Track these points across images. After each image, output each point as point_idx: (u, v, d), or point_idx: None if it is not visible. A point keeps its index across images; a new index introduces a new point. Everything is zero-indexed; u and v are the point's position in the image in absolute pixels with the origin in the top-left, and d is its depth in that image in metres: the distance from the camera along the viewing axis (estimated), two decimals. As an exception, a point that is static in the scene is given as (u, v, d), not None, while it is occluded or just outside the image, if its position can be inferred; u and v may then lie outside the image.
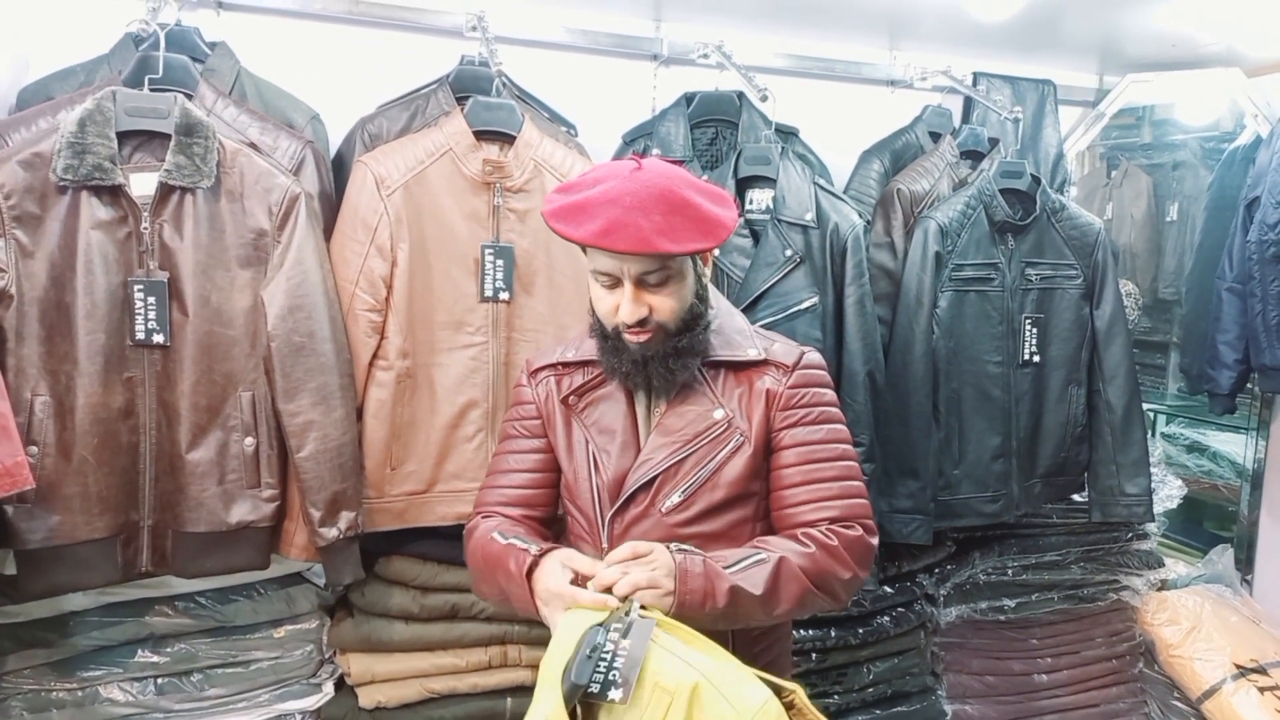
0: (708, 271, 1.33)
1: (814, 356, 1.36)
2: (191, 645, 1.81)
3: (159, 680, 1.80)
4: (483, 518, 1.38)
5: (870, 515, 1.31)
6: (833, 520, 1.26)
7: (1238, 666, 2.24)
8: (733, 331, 1.36)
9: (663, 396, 1.32)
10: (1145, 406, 3.96)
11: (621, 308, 1.23)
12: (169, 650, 1.80)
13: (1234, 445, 3.37)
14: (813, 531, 1.25)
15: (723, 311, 1.38)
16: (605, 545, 1.29)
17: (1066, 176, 2.69)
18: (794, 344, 1.37)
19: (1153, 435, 3.83)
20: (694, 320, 1.28)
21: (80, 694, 1.74)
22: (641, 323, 1.24)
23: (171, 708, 1.80)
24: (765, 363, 1.32)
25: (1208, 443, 3.52)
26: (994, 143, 2.35)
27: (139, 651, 1.78)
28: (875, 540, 1.30)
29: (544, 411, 1.40)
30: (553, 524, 1.43)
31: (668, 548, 1.17)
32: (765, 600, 1.18)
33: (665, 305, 1.24)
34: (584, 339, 1.39)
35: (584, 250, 1.27)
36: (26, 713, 1.71)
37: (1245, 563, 2.64)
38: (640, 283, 1.22)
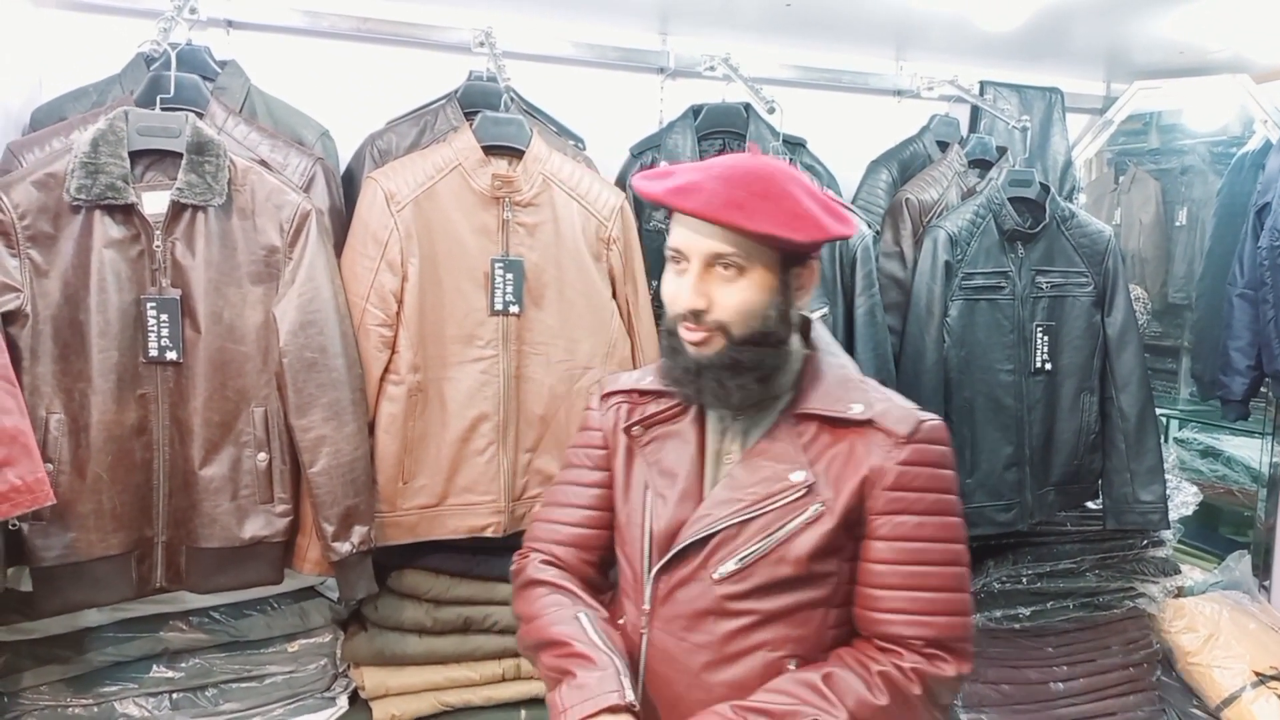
0: (806, 296, 1.14)
1: (936, 427, 1.12)
2: (206, 660, 1.82)
3: (174, 695, 1.80)
4: (534, 553, 1.27)
5: (969, 638, 1.10)
6: (926, 642, 1.07)
7: (1257, 674, 2.22)
8: (835, 382, 1.14)
9: (738, 440, 1.15)
10: (1158, 412, 3.94)
11: (680, 290, 1.08)
12: (184, 665, 1.80)
13: (1249, 450, 3.34)
14: (891, 672, 1.05)
15: (825, 353, 1.18)
16: (646, 606, 1.15)
17: (1075, 184, 2.69)
18: (911, 407, 1.13)
19: (1166, 441, 3.80)
20: (764, 336, 1.09)
21: (96, 710, 1.75)
22: (697, 315, 1.08)
23: (186, 723, 1.80)
24: (871, 426, 1.10)
25: (1222, 448, 3.50)
26: (1002, 151, 2.35)
27: (154, 667, 1.79)
28: (968, 668, 1.09)
29: (611, 441, 1.25)
30: (608, 568, 1.29)
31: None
32: None
33: (729, 301, 1.07)
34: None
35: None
36: (43, 729, 1.72)
37: (1262, 569, 2.62)
38: (709, 266, 1.07)
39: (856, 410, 1.11)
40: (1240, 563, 2.56)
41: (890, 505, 1.08)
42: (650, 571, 1.14)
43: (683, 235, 1.08)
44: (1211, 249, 2.87)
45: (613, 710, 1.03)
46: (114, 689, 1.76)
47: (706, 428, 1.18)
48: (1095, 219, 2.28)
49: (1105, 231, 2.25)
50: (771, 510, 1.09)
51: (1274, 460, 2.67)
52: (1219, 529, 3.40)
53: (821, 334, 1.21)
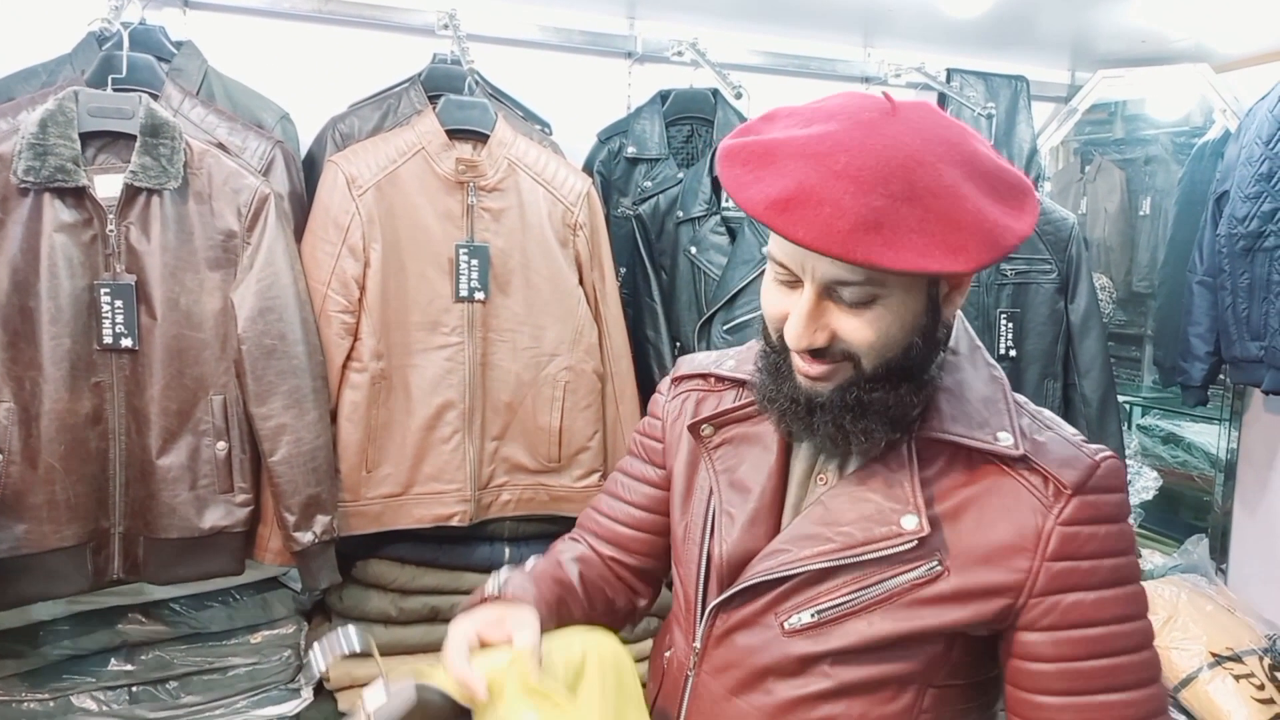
0: (959, 302, 0.86)
1: (1111, 470, 0.82)
2: (166, 653, 1.78)
3: (133, 689, 1.77)
4: (573, 542, 1.10)
5: None
6: None
7: (1214, 655, 2.26)
8: (980, 400, 0.86)
9: (836, 459, 0.89)
10: (1121, 399, 4.00)
11: (790, 322, 0.80)
12: (143, 658, 1.77)
13: (1208, 436, 3.40)
14: None
15: (968, 359, 0.89)
16: (698, 645, 0.93)
17: (1040, 172, 2.71)
18: (1078, 439, 0.84)
19: (1128, 427, 3.87)
20: (908, 370, 0.82)
21: (52, 704, 1.71)
22: (819, 353, 0.81)
23: (146, 716, 1.77)
24: (1025, 464, 0.82)
25: (1183, 434, 3.56)
26: (968, 138, 2.35)
27: (112, 660, 1.75)
28: None
29: (670, 434, 1.03)
30: (655, 578, 1.10)
31: None
32: None
33: (859, 336, 0.79)
34: (753, 350, 0.98)
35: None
36: (-4, 725, 1.69)
37: (1220, 552, 2.67)
38: (829, 293, 0.79)
39: (1005, 442, 0.82)
40: (1198, 546, 2.61)
41: (1054, 583, 0.79)
42: (705, 604, 0.93)
43: (791, 251, 0.79)
44: (1173, 237, 2.91)
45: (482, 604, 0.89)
46: (70, 683, 1.73)
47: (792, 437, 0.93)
48: (1059, 207, 2.30)
49: (1069, 219, 2.27)
50: (869, 560, 0.83)
51: (1231, 446, 2.72)
52: (1179, 514, 3.47)
53: (963, 334, 0.92)
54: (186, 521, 1.63)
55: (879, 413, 0.82)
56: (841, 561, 0.83)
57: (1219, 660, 2.24)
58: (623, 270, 2.16)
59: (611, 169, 2.23)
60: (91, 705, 1.74)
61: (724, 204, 2.10)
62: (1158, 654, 0.83)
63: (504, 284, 1.89)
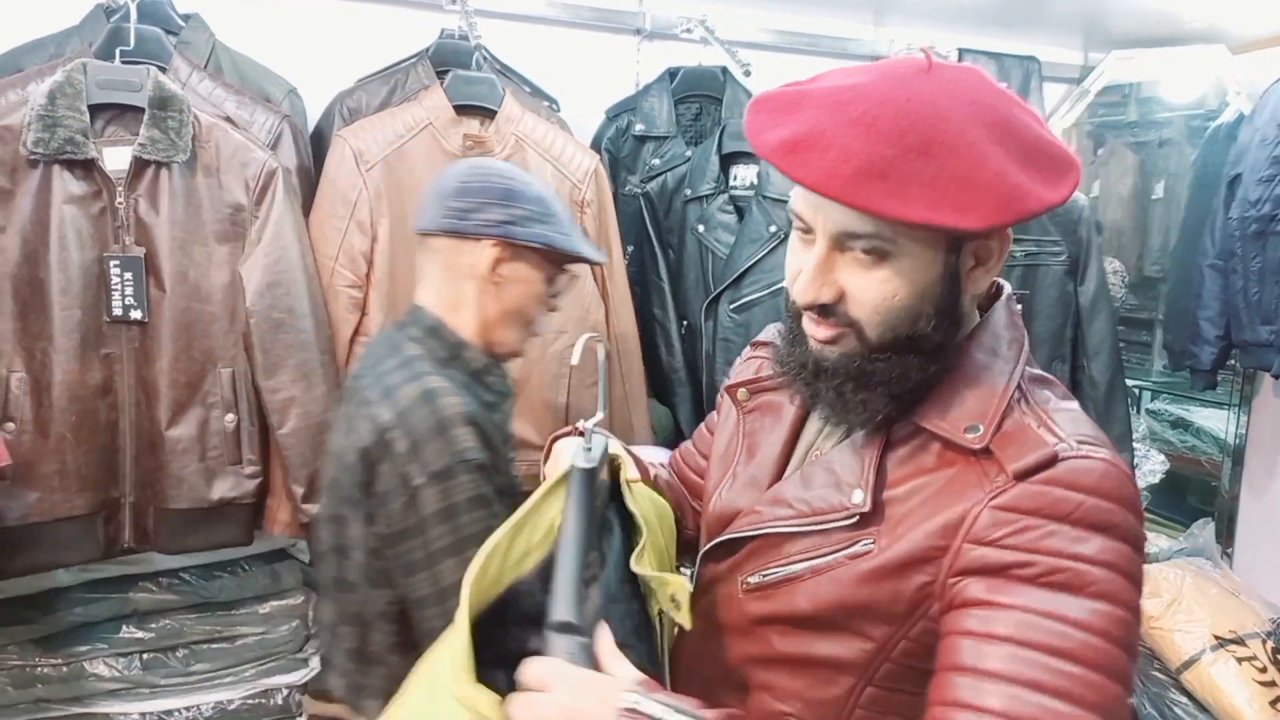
0: (990, 275, 0.82)
1: (1085, 469, 0.72)
2: (176, 621, 1.82)
3: (144, 656, 1.80)
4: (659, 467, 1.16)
5: None
6: None
7: (1217, 638, 2.26)
8: (974, 388, 0.80)
9: (836, 435, 0.89)
10: (1130, 383, 3.99)
11: (800, 275, 0.79)
12: (154, 626, 1.80)
13: (1217, 421, 3.39)
14: None
15: (990, 342, 0.83)
16: (691, 586, 0.94)
17: (1051, 153, 2.69)
18: (1075, 438, 0.75)
19: (1137, 412, 3.85)
20: (915, 342, 0.79)
21: (66, 669, 1.75)
22: (825, 312, 0.79)
23: (157, 683, 1.80)
24: (988, 455, 0.76)
25: (1191, 418, 3.55)
26: (979, 118, 2.34)
27: (124, 627, 1.79)
28: None
29: (728, 395, 1.05)
30: None
31: (620, 693, 0.72)
32: None
33: (866, 295, 0.77)
34: None
35: None
36: (12, 688, 1.72)
37: (1226, 536, 2.67)
38: (839, 245, 0.77)
39: (972, 434, 0.77)
40: (1204, 530, 2.60)
41: (975, 564, 0.73)
42: (700, 551, 0.97)
43: (804, 201, 0.78)
44: (1185, 220, 2.89)
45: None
46: (84, 649, 1.76)
47: (811, 412, 0.93)
48: (1069, 188, 2.28)
49: (1079, 200, 2.26)
50: (818, 531, 0.83)
51: (1240, 431, 2.71)
52: (1187, 498, 3.46)
53: (997, 317, 0.85)
54: (196, 492, 1.65)
55: (882, 384, 0.80)
56: (796, 529, 0.84)
57: (1222, 643, 2.24)
58: (630, 248, 2.16)
59: (619, 146, 2.23)
60: (104, 671, 1.77)
61: (732, 183, 2.09)
62: (1118, 694, 0.67)
63: (511, 260, 1.88)
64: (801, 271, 0.79)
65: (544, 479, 0.94)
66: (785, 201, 1.98)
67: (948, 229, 0.72)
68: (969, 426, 0.78)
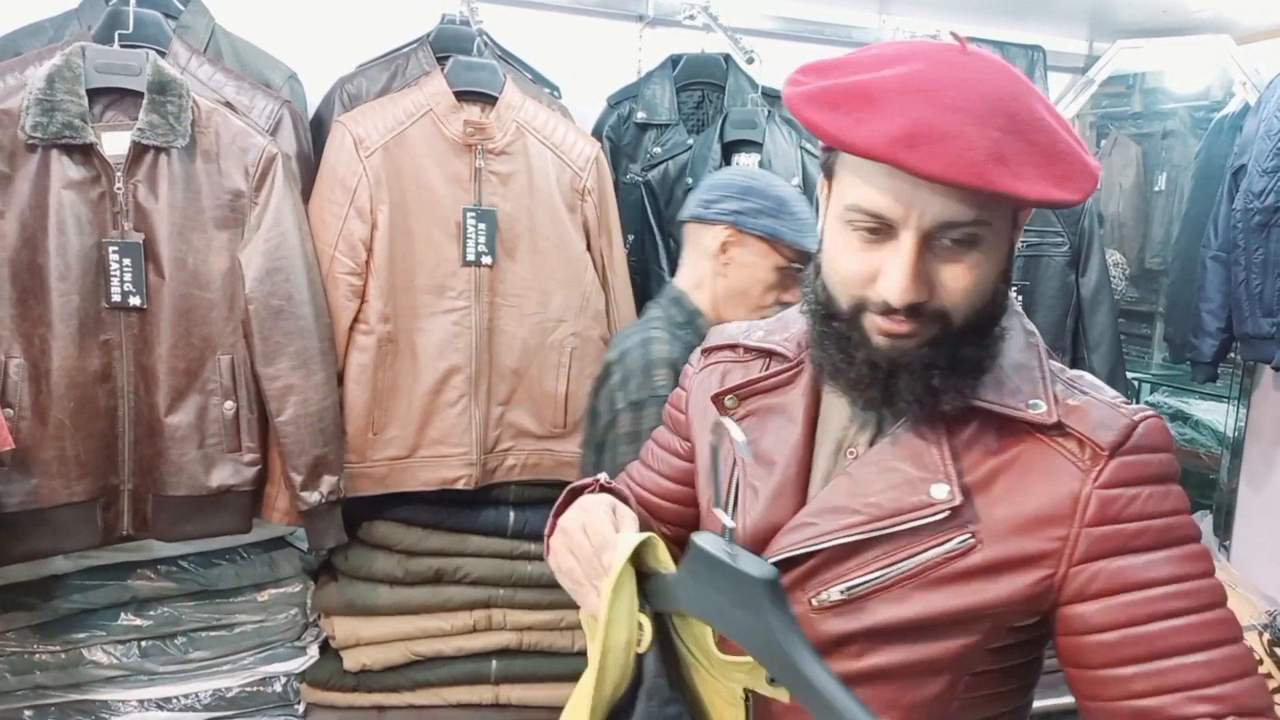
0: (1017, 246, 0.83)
1: (1152, 428, 0.77)
2: (175, 608, 1.81)
3: (143, 643, 1.80)
4: None
5: (1270, 701, 0.74)
6: (1233, 712, 0.71)
7: (1213, 630, 2.27)
8: (1011, 364, 0.80)
9: (868, 430, 0.85)
10: (1130, 375, 3.98)
11: (887, 277, 0.75)
12: (152, 613, 1.80)
13: (1216, 414, 3.39)
14: None
15: (1012, 324, 0.83)
16: None
17: (1055, 143, 2.68)
18: (1116, 400, 0.80)
19: (1136, 404, 3.86)
20: (991, 320, 0.79)
21: (64, 656, 1.75)
22: (913, 310, 0.75)
23: (156, 670, 1.80)
24: (1060, 431, 0.77)
25: (1191, 411, 3.55)
26: (982, 108, 2.33)
27: (122, 614, 1.78)
28: None
29: (694, 407, 0.99)
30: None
31: None
32: None
33: (958, 283, 0.75)
34: (788, 321, 0.96)
35: (828, 175, 0.82)
36: (10, 675, 1.72)
37: (1224, 529, 2.67)
38: (930, 239, 0.74)
39: (1038, 410, 0.77)
40: (1202, 523, 2.60)
41: (1096, 548, 0.75)
42: None
43: (893, 198, 0.73)
44: (1187, 212, 2.88)
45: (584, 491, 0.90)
46: (82, 636, 1.76)
47: (822, 405, 0.88)
48: (1073, 179, 2.27)
49: (1082, 191, 2.25)
50: (899, 532, 0.78)
51: (1239, 424, 2.71)
52: (1185, 491, 3.47)
53: (1007, 298, 0.86)
54: (194, 480, 1.64)
55: (967, 368, 0.78)
56: (870, 534, 0.79)
57: (1219, 635, 2.24)
58: (631, 237, 2.15)
59: (621, 134, 2.21)
60: (102, 658, 1.77)
61: (734, 171, 2.08)
62: (1233, 614, 0.75)
63: (511, 249, 1.88)
64: (891, 270, 0.74)
65: (549, 551, 0.90)
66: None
67: (1064, 203, 0.72)
68: (1030, 403, 0.78)
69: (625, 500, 0.94)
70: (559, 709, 1.07)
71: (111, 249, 1.56)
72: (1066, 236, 2.24)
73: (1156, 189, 4.53)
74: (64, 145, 1.51)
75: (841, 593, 0.80)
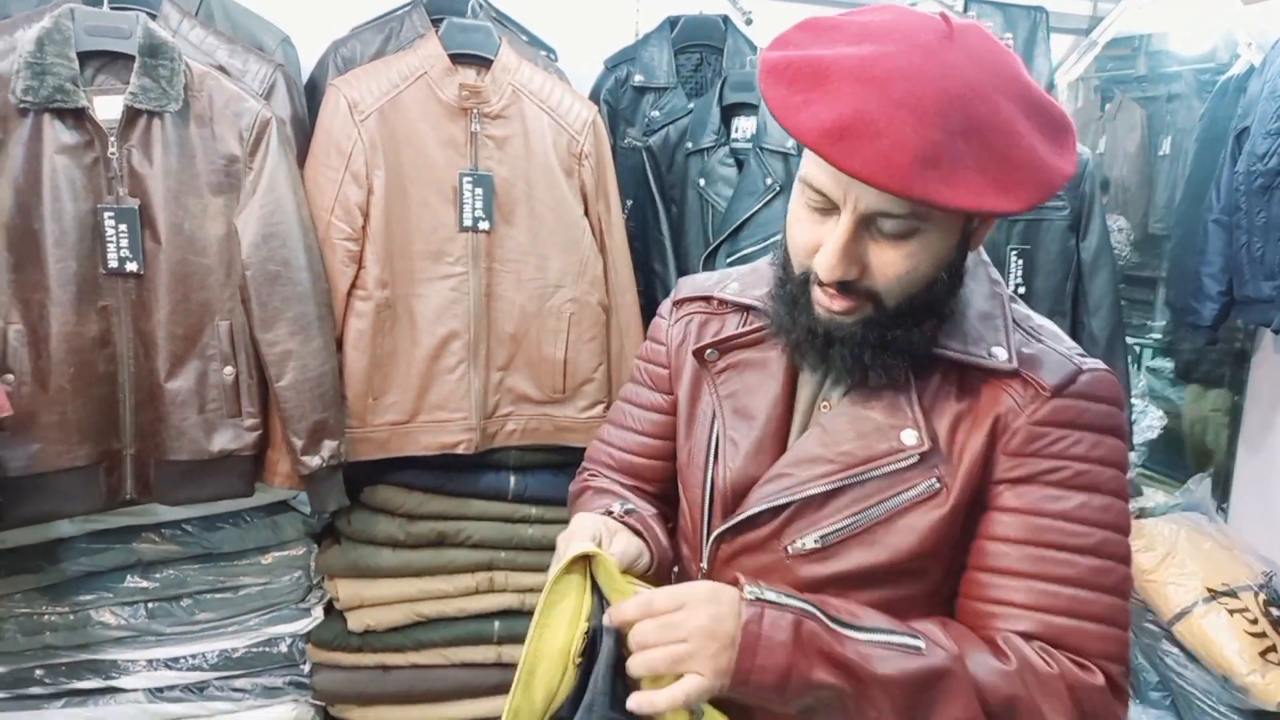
0: (986, 235, 0.85)
1: (1098, 380, 0.82)
2: (180, 571, 1.84)
3: (149, 605, 1.83)
4: (591, 478, 1.08)
5: (1126, 661, 0.81)
6: (1055, 647, 0.79)
7: (1209, 590, 2.29)
8: (979, 316, 0.85)
9: (842, 383, 0.88)
10: (1132, 341, 3.97)
11: (821, 252, 0.78)
12: (158, 576, 1.82)
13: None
14: (1020, 644, 0.78)
15: (969, 279, 0.87)
16: (704, 566, 0.93)
17: (1057, 106, 2.65)
18: (1074, 350, 0.85)
19: (1138, 369, 3.85)
20: (930, 305, 0.81)
21: (72, 617, 1.77)
22: (844, 287, 0.79)
23: (163, 631, 1.83)
24: (1017, 377, 0.82)
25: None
26: (984, 69, 2.30)
27: (128, 577, 1.81)
28: (1124, 712, 0.81)
29: (675, 360, 1.01)
30: (673, 502, 1.05)
31: (741, 590, 0.77)
32: (898, 710, 0.75)
33: (891, 269, 0.78)
34: (759, 273, 0.98)
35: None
36: (20, 635, 1.75)
37: (1222, 491, 2.68)
38: (867, 224, 0.77)
39: (999, 358, 0.82)
40: (1200, 486, 2.62)
41: (1014, 471, 0.81)
42: (710, 529, 0.92)
43: (833, 178, 0.75)
44: (1191, 175, 2.85)
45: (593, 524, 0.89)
46: (89, 598, 1.79)
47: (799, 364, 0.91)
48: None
49: (1083, 154, 2.23)
50: (872, 479, 0.83)
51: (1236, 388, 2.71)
52: (1185, 456, 3.47)
53: (979, 253, 0.91)
54: (196, 444, 1.66)
55: (896, 347, 0.82)
56: (844, 482, 0.83)
57: (1214, 595, 2.27)
58: (629, 202, 2.14)
59: (618, 98, 2.20)
60: (110, 619, 1.80)
61: (733, 135, 2.07)
62: (1125, 578, 0.81)
63: (508, 214, 1.87)
64: (825, 247, 0.77)
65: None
66: (782, 154, 1.97)
67: (1000, 213, 0.72)
68: (992, 351, 0.83)
69: (640, 533, 0.93)
70: (560, 669, 1.08)
71: (107, 214, 1.56)
72: (1067, 200, 2.22)
73: (1161, 153, 4.49)
74: (56, 110, 1.50)
75: (816, 540, 0.85)
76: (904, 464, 0.82)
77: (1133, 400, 2.36)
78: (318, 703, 1.95)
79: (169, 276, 1.61)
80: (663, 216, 2.12)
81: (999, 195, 0.70)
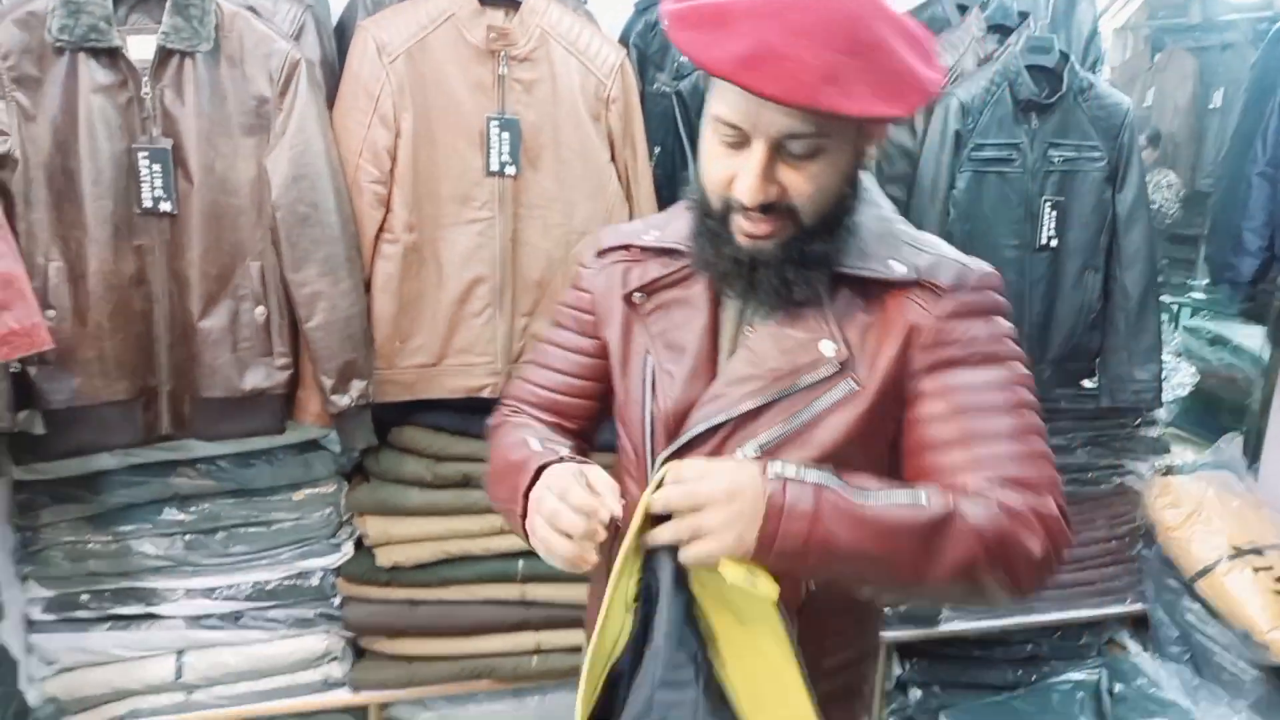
0: (874, 154, 0.99)
1: (986, 276, 0.96)
2: (215, 505, 1.90)
3: (186, 537, 1.89)
4: (512, 414, 1.16)
5: (1062, 489, 0.92)
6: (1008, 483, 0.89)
7: (1235, 548, 2.27)
8: (875, 237, 0.96)
9: (761, 309, 0.98)
10: (1171, 299, 3.89)
11: (740, 180, 0.88)
12: (194, 509, 1.88)
13: (1256, 339, 3.32)
14: (988, 488, 0.88)
15: (864, 201, 0.98)
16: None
17: (1100, 55, 2.57)
18: (962, 257, 0.97)
19: (1175, 328, 3.78)
20: (837, 218, 0.92)
21: (114, 546, 1.85)
22: (766, 209, 0.89)
23: (200, 562, 1.90)
24: (915, 284, 0.93)
25: (1230, 335, 3.48)
26: (1023, 17, 2.24)
27: (165, 510, 1.87)
28: (1063, 544, 0.90)
29: (601, 306, 1.09)
30: (591, 441, 1.17)
31: (763, 466, 0.84)
32: (907, 552, 0.83)
33: (805, 188, 0.88)
34: (673, 215, 1.08)
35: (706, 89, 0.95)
36: (67, 561, 1.82)
37: (1253, 450, 2.65)
38: (779, 149, 0.87)
39: (898, 270, 0.93)
40: (1231, 444, 2.59)
41: (931, 362, 0.92)
42: (656, 456, 1.00)
43: (744, 108, 0.85)
44: (1238, 128, 2.76)
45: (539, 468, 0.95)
46: (130, 528, 1.86)
47: (722, 295, 1.01)
48: (1114, 90, 2.19)
49: (1123, 104, 2.17)
50: (796, 391, 0.93)
51: (1270, 347, 2.66)
52: (1220, 416, 3.42)
53: (869, 179, 1.02)
54: (229, 382, 1.70)
55: (815, 261, 0.92)
56: (774, 395, 0.94)
57: (1239, 553, 2.26)
58: (657, 149, 2.12)
59: (648, 42, 2.17)
60: (150, 549, 1.87)
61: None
62: (1041, 427, 0.93)
63: (535, 159, 1.87)
64: (743, 174, 0.87)
65: (529, 534, 0.95)
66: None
67: (889, 118, 0.85)
68: (889, 264, 0.94)
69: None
70: (581, 606, 1.13)
71: (141, 154, 1.58)
72: (1104, 151, 2.17)
73: (1211, 106, 4.33)
74: (90, 49, 1.52)
75: (755, 450, 0.94)
76: (825, 372, 0.93)
77: (1164, 359, 2.32)
78: (347, 634, 2.02)
79: (201, 217, 1.64)
80: (691, 163, 2.11)
81: (888, 104, 0.82)
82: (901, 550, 0.83)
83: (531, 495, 0.95)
